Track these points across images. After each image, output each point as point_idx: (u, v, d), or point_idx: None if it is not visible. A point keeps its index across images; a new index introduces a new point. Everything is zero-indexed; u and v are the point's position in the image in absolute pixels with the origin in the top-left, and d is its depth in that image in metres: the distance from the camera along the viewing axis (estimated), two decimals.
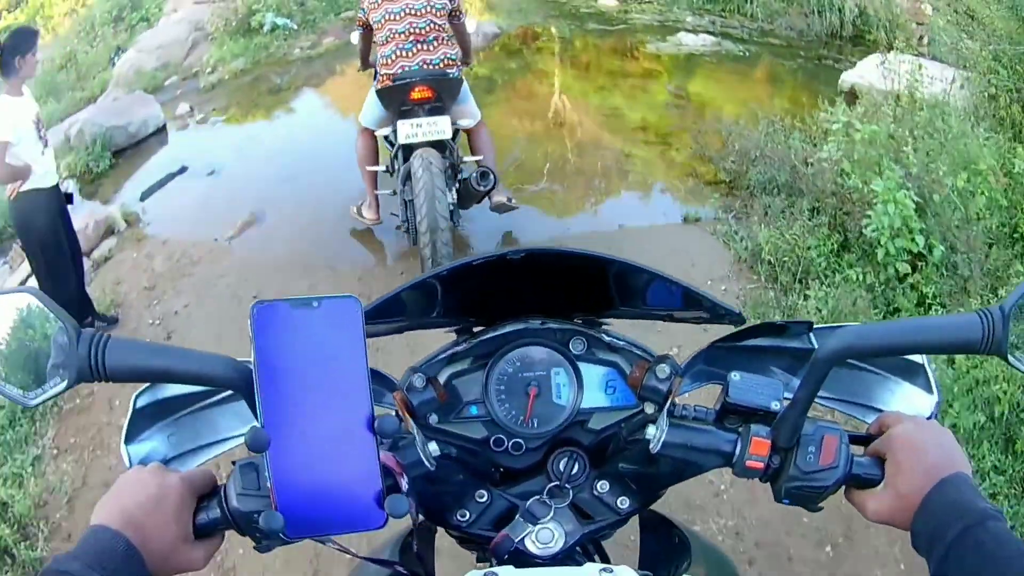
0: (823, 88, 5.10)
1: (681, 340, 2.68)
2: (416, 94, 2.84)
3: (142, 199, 4.72)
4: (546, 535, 0.81)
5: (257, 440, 0.56)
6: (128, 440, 0.79)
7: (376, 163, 3.34)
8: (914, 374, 0.88)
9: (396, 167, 3.11)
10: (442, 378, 0.88)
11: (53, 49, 9.18)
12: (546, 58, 6.62)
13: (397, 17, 2.97)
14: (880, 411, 0.86)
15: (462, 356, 0.90)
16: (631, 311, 0.95)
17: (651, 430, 0.76)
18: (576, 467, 0.87)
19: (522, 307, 0.91)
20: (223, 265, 3.76)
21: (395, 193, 3.19)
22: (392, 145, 3.12)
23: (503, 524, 0.83)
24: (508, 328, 0.89)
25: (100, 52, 8.53)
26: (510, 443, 0.88)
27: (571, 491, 0.86)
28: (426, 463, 0.74)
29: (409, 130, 2.83)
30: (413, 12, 2.97)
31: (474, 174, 2.91)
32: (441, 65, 2.97)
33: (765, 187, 4.01)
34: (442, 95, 2.88)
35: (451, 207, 2.98)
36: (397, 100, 2.89)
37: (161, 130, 5.81)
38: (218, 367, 0.61)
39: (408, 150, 2.92)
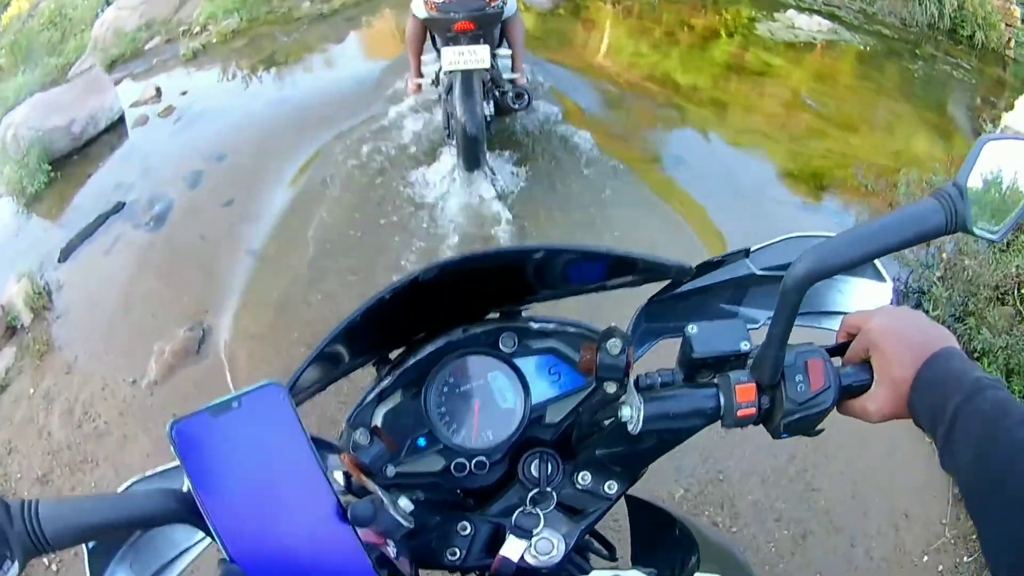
0: (964, 114, 4.56)
1: None
2: (459, 26, 2.96)
3: (62, 259, 3.31)
4: (544, 545, 0.75)
5: None
6: None
7: (422, 51, 3.42)
8: (861, 268, 0.84)
9: (441, 79, 3.29)
10: (379, 420, 0.82)
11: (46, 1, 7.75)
12: (624, 35, 4.90)
13: None
14: (839, 314, 0.84)
15: (390, 390, 0.82)
16: (554, 293, 0.88)
17: (625, 411, 0.70)
18: (550, 466, 0.81)
19: (438, 321, 0.84)
20: (131, 452, 2.29)
21: (439, 99, 3.42)
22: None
23: (495, 547, 0.77)
24: (430, 348, 0.82)
25: (90, 4, 7.01)
26: (472, 464, 0.82)
27: (553, 493, 0.80)
28: (404, 523, 0.66)
29: (453, 57, 2.96)
30: None
31: (510, 93, 3.13)
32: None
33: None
34: (483, 26, 3.00)
35: (488, 118, 3.21)
36: (443, 29, 3.03)
37: (119, 123, 4.33)
38: (156, 505, 0.55)
39: None
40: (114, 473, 2.24)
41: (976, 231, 0.61)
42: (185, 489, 0.55)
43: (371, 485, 0.68)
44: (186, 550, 0.79)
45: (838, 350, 0.69)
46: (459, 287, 0.79)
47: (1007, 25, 6.29)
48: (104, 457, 2.31)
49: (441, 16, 2.95)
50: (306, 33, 5.02)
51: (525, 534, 0.75)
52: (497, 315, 0.87)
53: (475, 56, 2.94)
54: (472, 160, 3.14)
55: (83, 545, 0.72)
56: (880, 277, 0.83)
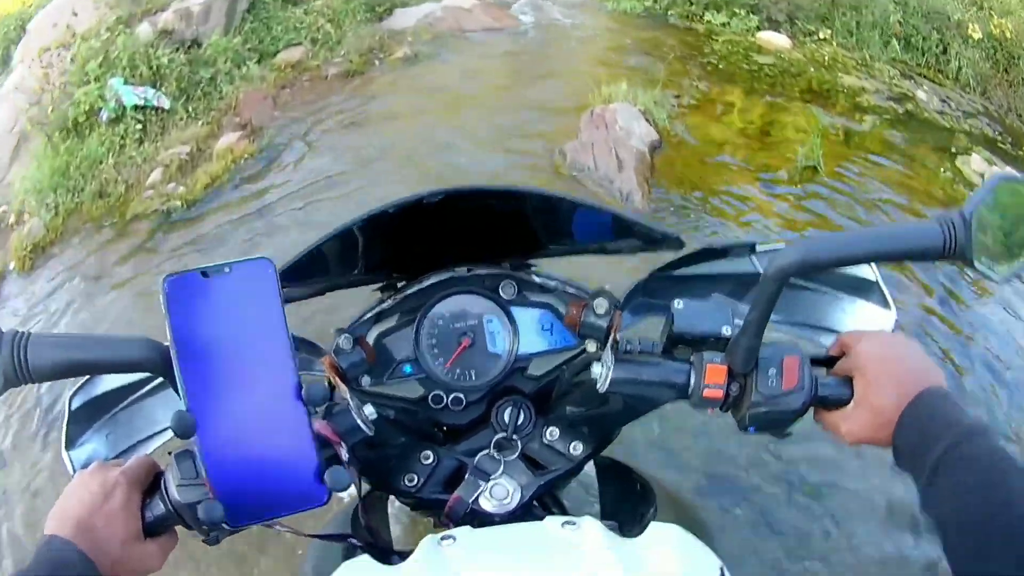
0: None
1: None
2: None
3: None
4: (500, 491, 0.78)
5: (182, 424, 0.53)
6: (69, 445, 0.78)
7: None
8: (867, 291, 0.85)
9: None
10: (371, 337, 0.85)
11: None
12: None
13: None
14: (835, 332, 0.83)
15: (389, 313, 0.85)
16: (560, 248, 0.92)
17: (596, 368, 0.71)
18: (522, 416, 0.84)
19: (447, 256, 0.86)
20: None
21: None
22: None
23: (454, 485, 0.80)
24: (434, 279, 0.85)
25: None
26: (449, 398, 0.85)
27: (519, 442, 0.82)
28: (364, 428, 0.69)
29: None
30: None
31: None
32: None
33: None
34: None
35: None
36: None
37: None
38: (136, 350, 0.56)
39: None
40: None
41: (977, 265, 0.59)
42: (165, 343, 0.55)
43: (343, 387, 0.70)
44: (160, 432, 0.82)
45: (825, 362, 0.67)
46: (469, 225, 0.79)
47: None
48: None
49: None
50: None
51: (483, 476, 0.78)
52: (507, 265, 0.87)
53: None
54: None
55: (67, 405, 0.79)
56: (885, 304, 0.82)
